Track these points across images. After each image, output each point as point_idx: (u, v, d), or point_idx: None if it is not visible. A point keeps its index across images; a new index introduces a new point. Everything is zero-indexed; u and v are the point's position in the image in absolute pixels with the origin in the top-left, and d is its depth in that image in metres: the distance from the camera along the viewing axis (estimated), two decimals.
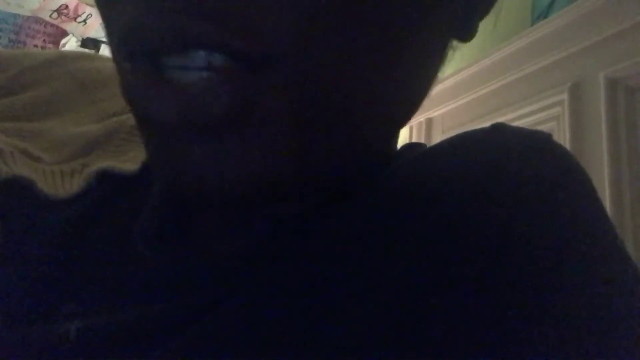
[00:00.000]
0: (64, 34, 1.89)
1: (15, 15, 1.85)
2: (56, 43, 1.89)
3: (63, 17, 1.84)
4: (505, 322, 0.19)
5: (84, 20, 1.86)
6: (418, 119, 1.62)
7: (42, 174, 0.26)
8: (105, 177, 0.27)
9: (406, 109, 0.24)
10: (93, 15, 1.84)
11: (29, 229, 0.25)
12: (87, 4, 1.85)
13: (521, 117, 1.22)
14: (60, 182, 0.26)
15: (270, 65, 0.17)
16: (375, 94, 0.21)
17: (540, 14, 1.27)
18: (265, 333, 0.20)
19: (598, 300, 0.19)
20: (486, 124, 0.27)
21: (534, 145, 0.25)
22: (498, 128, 0.26)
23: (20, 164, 0.26)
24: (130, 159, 0.28)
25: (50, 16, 1.83)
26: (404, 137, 1.63)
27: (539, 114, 1.18)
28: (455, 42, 0.25)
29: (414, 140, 1.54)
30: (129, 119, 0.31)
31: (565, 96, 1.10)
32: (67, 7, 1.83)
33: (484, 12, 0.25)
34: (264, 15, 0.17)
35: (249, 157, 0.19)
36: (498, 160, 0.24)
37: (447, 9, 0.21)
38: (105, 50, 1.87)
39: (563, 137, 1.08)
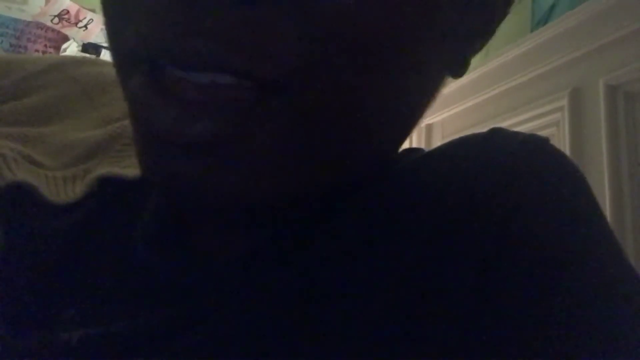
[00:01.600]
0: (65, 38, 1.89)
1: (16, 20, 1.85)
2: (57, 48, 1.90)
3: (64, 22, 1.84)
4: (504, 322, 0.19)
5: (85, 26, 1.86)
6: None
7: (44, 180, 0.26)
8: (106, 183, 0.27)
9: (399, 133, 0.24)
10: (94, 20, 1.84)
11: (32, 235, 0.25)
12: (88, 9, 1.85)
13: (521, 123, 1.23)
14: (62, 188, 0.26)
15: (278, 88, 0.17)
16: (372, 119, 0.21)
17: (540, 21, 1.27)
18: (265, 337, 0.20)
19: (597, 301, 0.19)
20: (486, 130, 0.27)
21: (531, 148, 0.25)
22: (495, 132, 0.26)
23: (23, 169, 0.26)
24: (131, 165, 0.28)
25: (51, 21, 1.83)
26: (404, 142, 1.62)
27: (539, 119, 1.18)
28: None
29: (414, 145, 1.54)
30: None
31: (565, 102, 1.11)
32: (68, 12, 1.83)
33: (477, 50, 0.26)
34: (274, 42, 0.17)
35: (248, 176, 0.19)
36: (496, 163, 0.24)
37: (443, 47, 0.22)
38: (106, 55, 1.87)
39: (563, 143, 1.08)
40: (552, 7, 1.25)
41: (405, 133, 0.24)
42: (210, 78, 0.17)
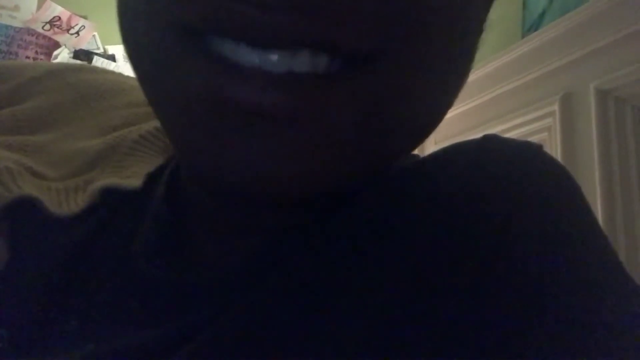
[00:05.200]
0: (57, 45, 1.88)
1: (7, 27, 1.84)
2: (48, 54, 1.88)
3: (55, 28, 1.83)
4: (502, 322, 0.19)
5: (77, 32, 1.85)
6: None
7: (47, 192, 0.26)
8: (108, 194, 0.27)
9: (431, 127, 0.24)
10: (86, 27, 1.84)
11: (36, 248, 0.25)
12: (80, 16, 1.85)
13: (513, 128, 1.23)
14: (64, 199, 0.26)
15: (359, 62, 0.17)
16: (423, 109, 0.21)
17: (531, 27, 1.29)
18: (270, 341, 0.20)
19: (592, 305, 0.19)
20: (478, 135, 0.27)
21: (525, 155, 0.25)
22: (489, 139, 0.26)
23: (28, 182, 0.26)
24: (132, 174, 0.28)
25: (42, 28, 1.82)
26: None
27: (531, 125, 1.19)
28: None
29: None
30: (131, 132, 0.31)
31: (556, 107, 1.12)
32: (59, 19, 1.83)
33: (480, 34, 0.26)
34: (357, 16, 0.16)
35: (302, 156, 0.18)
36: (490, 170, 0.24)
37: (475, 41, 0.23)
38: (97, 62, 1.86)
39: (555, 148, 1.09)
40: (543, 14, 1.26)
41: (427, 133, 0.24)
42: (290, 55, 0.16)
